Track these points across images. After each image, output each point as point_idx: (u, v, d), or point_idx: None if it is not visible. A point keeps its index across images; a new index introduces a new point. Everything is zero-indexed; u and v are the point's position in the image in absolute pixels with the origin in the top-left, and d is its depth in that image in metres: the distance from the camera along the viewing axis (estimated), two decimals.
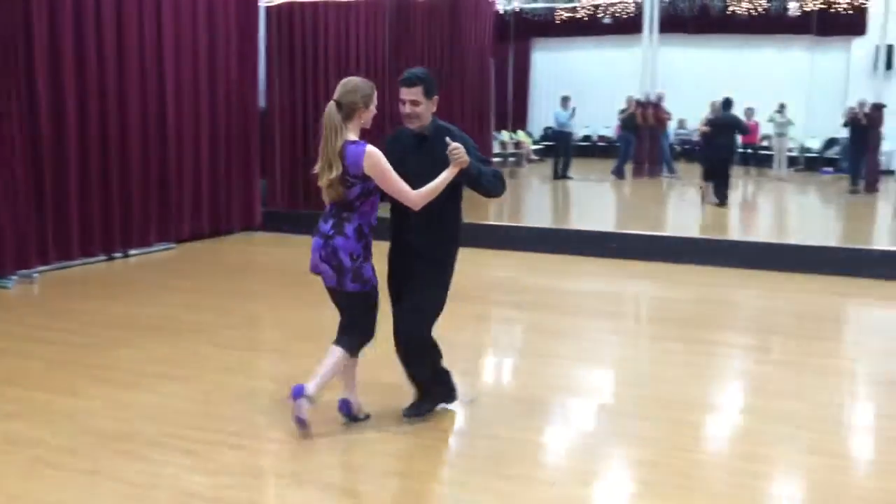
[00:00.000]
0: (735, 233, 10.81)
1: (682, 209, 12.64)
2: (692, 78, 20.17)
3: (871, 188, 14.65)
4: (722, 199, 12.10)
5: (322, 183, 3.75)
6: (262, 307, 6.78)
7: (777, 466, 3.72)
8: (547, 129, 21.95)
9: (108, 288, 7.26)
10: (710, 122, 12.83)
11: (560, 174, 16.41)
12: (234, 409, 4.24)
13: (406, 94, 3.84)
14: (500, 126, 19.17)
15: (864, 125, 14.68)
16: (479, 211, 12.77)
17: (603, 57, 21.80)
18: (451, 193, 3.85)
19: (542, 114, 22.79)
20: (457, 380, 4.85)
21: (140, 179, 8.46)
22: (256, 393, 4.61)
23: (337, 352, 3.87)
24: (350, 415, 4.00)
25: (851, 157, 15.59)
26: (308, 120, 10.93)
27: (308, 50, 10.78)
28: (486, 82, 16.06)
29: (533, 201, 14.56)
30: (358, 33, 11.55)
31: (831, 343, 5.99)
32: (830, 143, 20.04)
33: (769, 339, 6.02)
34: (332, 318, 4.14)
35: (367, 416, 4.04)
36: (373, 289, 3.86)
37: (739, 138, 13.08)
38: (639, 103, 16.62)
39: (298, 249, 9.20)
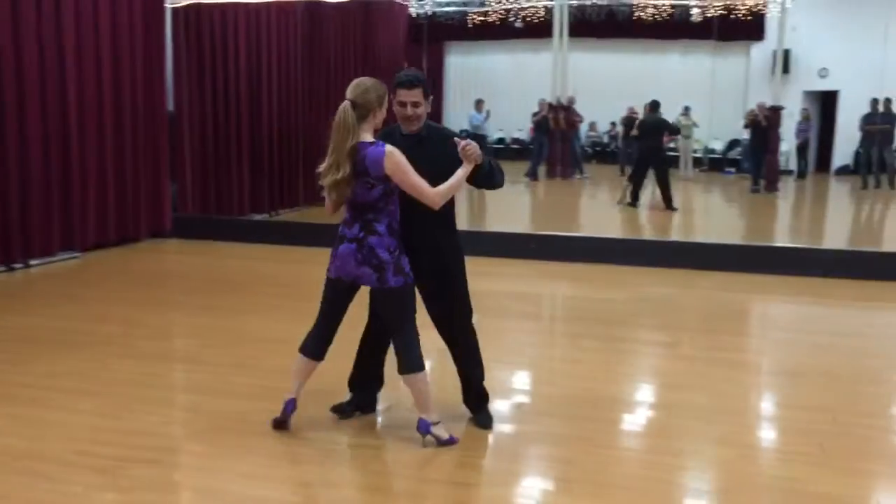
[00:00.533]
0: (647, 232, 11.10)
1: (596, 210, 12.91)
2: (601, 82, 20.67)
3: (772, 187, 15.29)
4: (667, 202, 12.31)
5: (326, 182, 3.67)
6: (174, 316, 6.60)
7: (689, 459, 3.84)
8: (461, 131, 22.08)
9: (9, 300, 6.95)
10: (639, 125, 13.10)
11: None
12: (147, 423, 4.12)
13: (407, 95, 3.79)
14: None
15: (764, 127, 15.31)
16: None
17: (515, 60, 22.13)
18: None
19: (457, 116, 22.95)
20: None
21: (41, 185, 8.10)
22: (171, 405, 4.50)
23: (413, 379, 3.83)
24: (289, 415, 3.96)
25: (752, 157, 16.24)
26: (219, 122, 10.75)
27: (218, 52, 10.58)
28: None
29: None
30: (269, 36, 11.40)
31: (738, 337, 6.22)
32: (733, 144, 20.82)
33: (679, 335, 6.21)
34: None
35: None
36: (412, 284, 3.81)
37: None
38: (551, 106, 16.92)
39: (211, 256, 9.08)
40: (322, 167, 3.70)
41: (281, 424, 3.95)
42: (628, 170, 19.03)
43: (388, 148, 3.63)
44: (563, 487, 3.53)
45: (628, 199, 12.54)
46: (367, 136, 3.68)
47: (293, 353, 4.02)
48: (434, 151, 3.78)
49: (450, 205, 3.90)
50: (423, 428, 3.80)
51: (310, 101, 12.53)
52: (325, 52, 12.90)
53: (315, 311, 4.00)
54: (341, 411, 4.20)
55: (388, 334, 3.94)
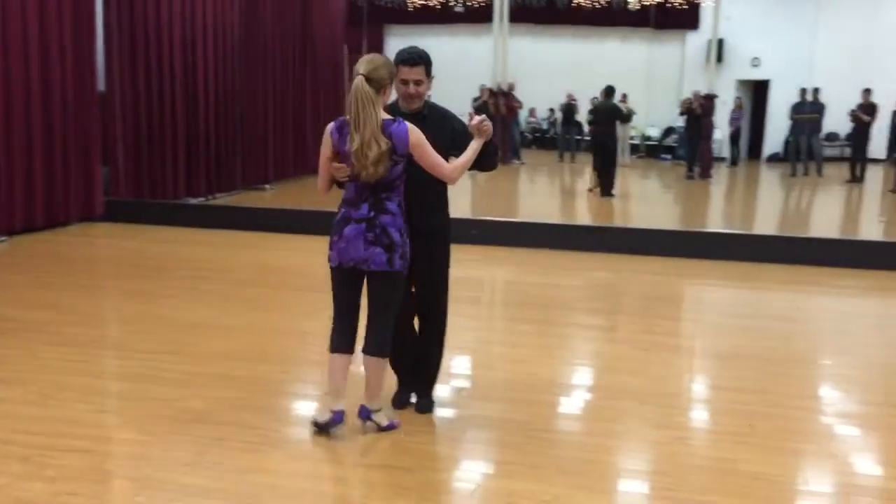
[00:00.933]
0: (586, 218, 11.22)
1: (536, 195, 12.99)
2: (541, 68, 20.79)
3: (705, 174, 15.62)
4: (606, 189, 12.31)
5: (371, 156, 3.47)
6: (104, 302, 6.43)
7: (625, 441, 3.90)
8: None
9: None
10: (592, 110, 13.12)
11: None
12: (76, 411, 4.00)
13: (409, 73, 3.71)
14: None
15: (699, 115, 15.60)
16: (335, 199, 12.67)
17: (456, 45, 22.09)
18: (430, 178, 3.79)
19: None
20: (311, 372, 4.81)
21: None
22: (101, 392, 4.37)
23: (375, 363, 3.76)
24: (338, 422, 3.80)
25: (687, 144, 16.57)
26: (153, 104, 10.47)
27: (151, 31, 10.29)
28: (339, 69, 15.88)
29: None
30: (205, 16, 11.13)
31: (672, 321, 6.34)
32: (668, 131, 21.19)
33: (617, 319, 6.29)
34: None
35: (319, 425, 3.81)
36: (403, 272, 3.74)
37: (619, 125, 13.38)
38: (491, 92, 16.94)
39: (144, 240, 8.87)
40: (354, 145, 3.51)
41: (323, 429, 3.75)
42: (567, 156, 19.32)
43: (409, 125, 3.58)
44: (503, 470, 3.54)
45: (592, 186, 12.65)
46: (384, 114, 3.58)
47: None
48: (434, 130, 3.73)
49: (443, 187, 3.89)
50: (364, 414, 3.77)
51: (247, 83, 12.29)
52: (263, 33, 12.66)
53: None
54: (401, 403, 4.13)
55: (370, 312, 3.80)
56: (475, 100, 17.74)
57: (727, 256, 8.26)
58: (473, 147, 3.72)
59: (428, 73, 3.78)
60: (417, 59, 3.73)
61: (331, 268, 3.76)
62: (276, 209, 10.54)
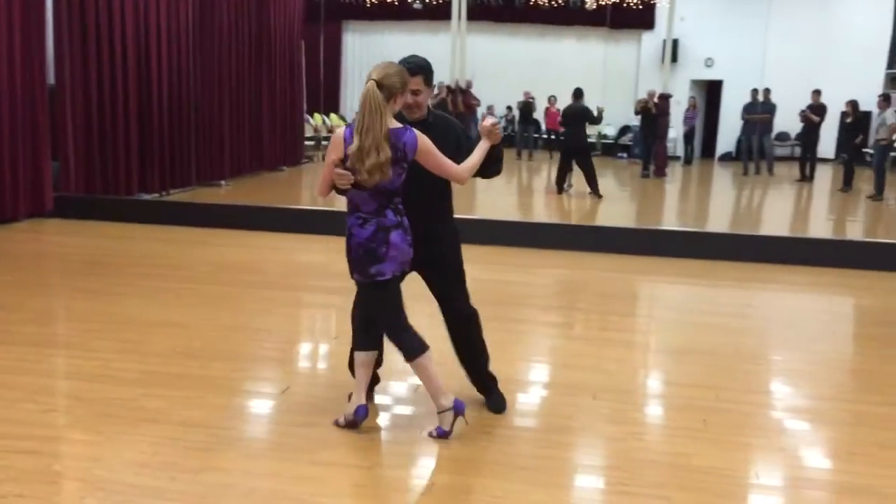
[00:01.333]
0: (542, 216, 11.28)
1: (493, 192, 13.03)
2: (499, 65, 20.87)
3: (661, 172, 15.82)
4: (593, 189, 12.39)
5: (368, 164, 3.43)
6: (54, 300, 6.30)
7: (580, 437, 3.93)
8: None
9: None
10: (563, 113, 13.16)
11: None
12: (25, 412, 3.90)
13: (407, 93, 3.69)
14: (313, 109, 18.91)
15: (654, 114, 15.79)
16: (291, 195, 12.56)
17: (414, 42, 21.98)
18: (435, 182, 3.81)
19: (355, 97, 22.67)
20: (268, 368, 4.77)
21: None
22: (51, 392, 4.28)
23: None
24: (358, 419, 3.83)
25: (642, 143, 16.76)
26: (105, 98, 10.27)
27: (103, 24, 10.09)
28: (296, 64, 15.75)
29: None
30: (158, 9, 10.94)
31: (628, 318, 6.40)
32: (624, 130, 21.42)
33: (573, 315, 6.34)
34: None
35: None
36: None
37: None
38: (449, 89, 16.95)
39: (95, 237, 8.70)
40: (353, 149, 3.48)
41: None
42: (525, 153, 19.42)
43: (418, 132, 3.58)
44: (459, 467, 3.55)
45: (566, 186, 12.73)
46: (393, 122, 3.55)
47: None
48: (440, 137, 3.72)
49: (450, 192, 3.91)
50: (459, 408, 3.77)
51: (202, 78, 12.12)
52: (218, 27, 12.49)
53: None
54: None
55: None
56: (434, 97, 17.74)
57: (682, 254, 8.38)
58: (482, 148, 3.74)
59: (427, 83, 3.77)
60: (416, 68, 3.71)
61: (384, 282, 3.65)
62: (231, 205, 10.42)
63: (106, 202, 10.10)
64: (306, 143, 16.83)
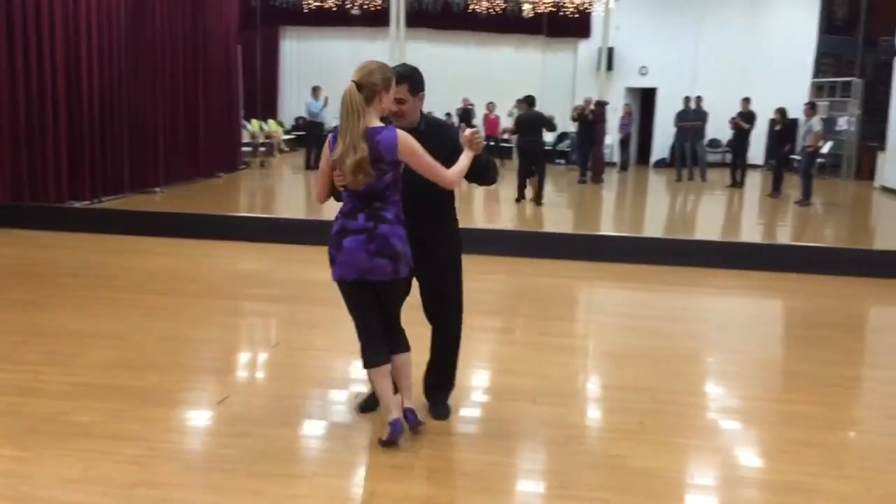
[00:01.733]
0: (480, 222, 11.34)
1: None
2: (438, 72, 20.86)
3: (597, 178, 16.06)
4: (537, 197, 12.45)
5: (347, 164, 3.42)
6: None
7: (519, 441, 3.95)
8: (299, 118, 21.73)
9: None
10: (516, 121, 13.21)
11: (312, 164, 16.33)
12: None
13: (392, 91, 3.63)
14: (250, 115, 18.69)
15: (591, 121, 16.03)
16: (229, 203, 12.38)
17: (352, 48, 21.96)
18: (435, 188, 3.74)
19: (294, 103, 22.53)
20: (205, 379, 4.69)
21: None
22: None
23: (408, 358, 3.85)
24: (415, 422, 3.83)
25: (580, 150, 16.99)
26: (32, 101, 9.97)
27: (30, 25, 9.79)
28: (233, 69, 15.54)
29: (285, 192, 14.34)
30: (89, 12, 10.68)
31: (567, 323, 6.48)
32: (562, 136, 21.67)
33: (514, 321, 6.39)
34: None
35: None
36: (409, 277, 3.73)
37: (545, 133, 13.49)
38: None
39: (23, 246, 8.44)
40: (337, 153, 3.48)
41: (389, 444, 3.73)
42: None
43: (399, 131, 3.51)
44: (399, 475, 3.54)
45: (517, 197, 12.79)
46: (376, 121, 3.51)
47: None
48: (434, 144, 3.65)
49: (450, 198, 3.89)
50: (413, 419, 3.80)
51: (135, 82, 11.86)
52: (151, 31, 12.24)
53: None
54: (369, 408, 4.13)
55: (389, 319, 3.80)
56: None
57: (619, 258, 8.51)
58: (467, 155, 3.71)
59: (413, 91, 3.73)
60: (400, 77, 3.67)
61: (337, 284, 3.67)
62: (167, 213, 10.22)
63: (34, 210, 9.80)
64: (244, 149, 16.61)
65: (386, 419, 3.75)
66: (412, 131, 3.73)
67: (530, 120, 12.70)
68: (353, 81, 3.48)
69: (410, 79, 3.73)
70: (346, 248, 3.57)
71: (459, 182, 3.74)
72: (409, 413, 3.81)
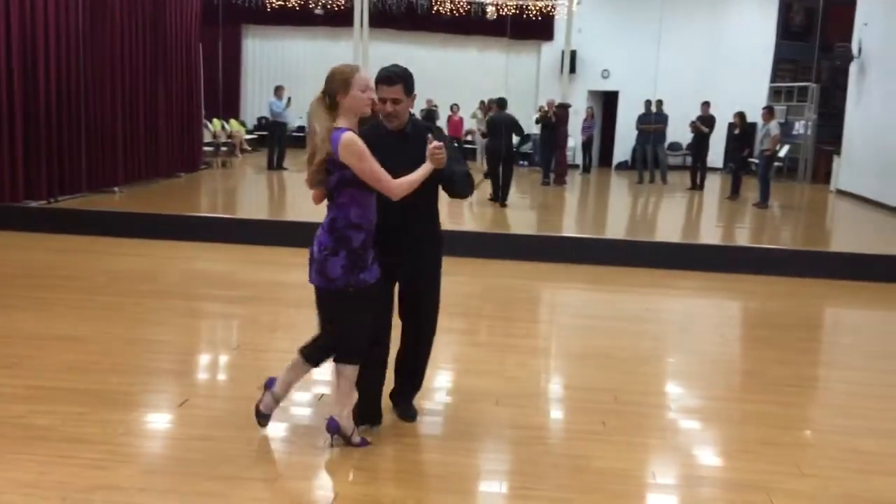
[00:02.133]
0: (445, 223, 11.33)
1: None
2: None
3: (560, 181, 16.16)
4: (501, 198, 12.48)
5: (312, 168, 3.54)
6: None
7: (483, 442, 3.97)
8: (261, 118, 21.56)
9: None
10: (488, 122, 13.20)
11: (275, 165, 16.21)
12: None
13: (387, 92, 3.63)
14: (211, 115, 18.49)
15: (554, 123, 16.13)
16: (189, 203, 12.23)
17: (316, 47, 21.88)
18: (432, 184, 3.72)
19: (256, 103, 22.35)
20: (165, 381, 4.63)
21: None
22: None
23: (294, 359, 3.82)
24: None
25: (542, 152, 17.08)
26: None
27: None
28: (194, 68, 15.35)
29: (247, 192, 14.22)
30: (46, 7, 10.47)
31: (529, 324, 6.52)
32: (525, 138, 21.76)
33: (476, 322, 6.41)
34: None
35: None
36: (339, 291, 3.56)
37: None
38: None
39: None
40: (306, 155, 3.57)
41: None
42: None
43: (347, 134, 3.47)
44: (363, 477, 3.53)
45: (490, 196, 12.80)
46: (340, 123, 3.53)
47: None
48: (419, 148, 3.63)
49: (436, 200, 3.87)
50: (334, 427, 3.75)
51: (93, 79, 11.66)
52: (110, 25, 12.03)
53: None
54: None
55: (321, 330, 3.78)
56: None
57: (581, 260, 8.59)
58: (420, 172, 3.61)
59: (407, 92, 3.71)
60: (395, 77, 3.66)
61: (367, 290, 3.66)
62: (126, 212, 10.07)
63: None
64: (205, 148, 16.43)
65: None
66: (397, 132, 3.72)
67: (504, 122, 12.74)
68: (321, 91, 3.58)
69: (405, 80, 3.72)
70: (311, 249, 3.67)
71: (403, 194, 3.60)
72: (331, 422, 3.79)
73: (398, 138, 3.74)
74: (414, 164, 3.61)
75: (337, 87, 3.54)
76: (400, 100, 3.70)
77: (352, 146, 3.48)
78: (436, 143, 3.63)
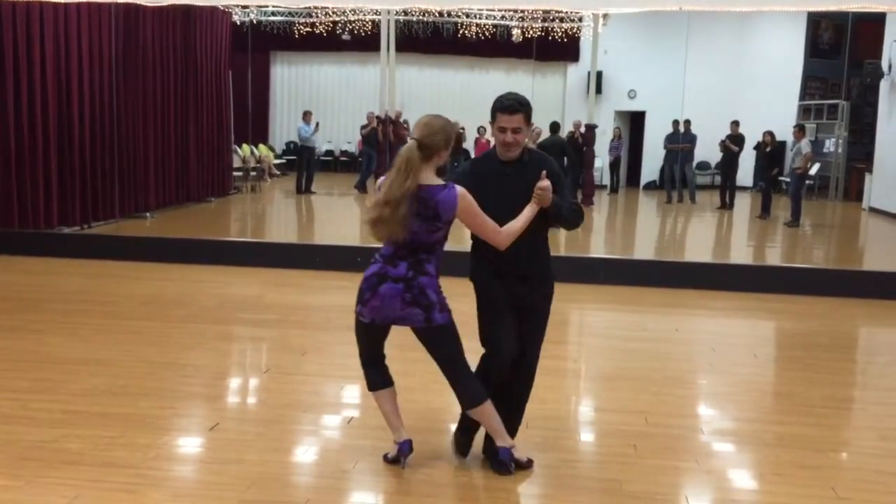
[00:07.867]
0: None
1: None
2: (429, 96, 21.05)
3: (588, 201, 16.10)
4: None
5: (371, 216, 3.45)
6: None
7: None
8: (290, 143, 21.80)
9: None
10: (540, 145, 13.28)
11: (303, 189, 16.35)
12: None
13: (508, 121, 3.58)
14: (241, 140, 18.72)
15: (580, 144, 16.11)
16: (220, 227, 12.36)
17: (344, 72, 22.13)
18: (541, 220, 3.69)
19: (285, 128, 22.60)
20: (196, 405, 4.66)
21: None
22: None
23: (479, 412, 3.71)
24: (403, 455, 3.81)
25: (570, 172, 17.04)
26: (22, 126, 9.94)
27: (21, 50, 9.80)
28: (224, 95, 15.58)
29: (277, 216, 14.34)
30: (80, 35, 10.70)
31: (559, 345, 6.45)
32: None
33: None
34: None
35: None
36: (447, 326, 3.66)
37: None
38: (379, 119, 16.99)
39: (12, 272, 8.43)
40: (370, 202, 3.51)
41: (395, 462, 3.82)
42: None
43: (461, 190, 3.48)
44: (393, 501, 3.51)
45: None
46: (432, 178, 3.49)
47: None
48: (534, 179, 3.59)
49: (544, 234, 3.83)
50: (505, 455, 3.75)
51: (126, 106, 11.87)
52: (142, 54, 12.27)
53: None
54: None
55: (443, 372, 3.77)
56: (363, 127, 17.76)
57: (610, 280, 8.53)
58: (525, 215, 3.59)
59: (528, 121, 3.66)
60: (518, 106, 3.60)
61: (359, 321, 3.70)
62: (156, 238, 10.20)
63: (23, 236, 9.77)
64: (235, 174, 16.62)
65: (395, 439, 3.81)
66: (516, 162, 3.68)
67: (554, 145, 12.73)
68: (415, 139, 3.47)
69: (526, 108, 3.65)
70: (381, 293, 3.56)
71: (508, 243, 3.58)
72: (502, 451, 3.77)
73: (513, 168, 3.67)
74: (526, 192, 3.59)
75: (440, 143, 3.50)
76: (520, 129, 3.62)
77: (471, 203, 3.49)
78: (545, 182, 3.58)
